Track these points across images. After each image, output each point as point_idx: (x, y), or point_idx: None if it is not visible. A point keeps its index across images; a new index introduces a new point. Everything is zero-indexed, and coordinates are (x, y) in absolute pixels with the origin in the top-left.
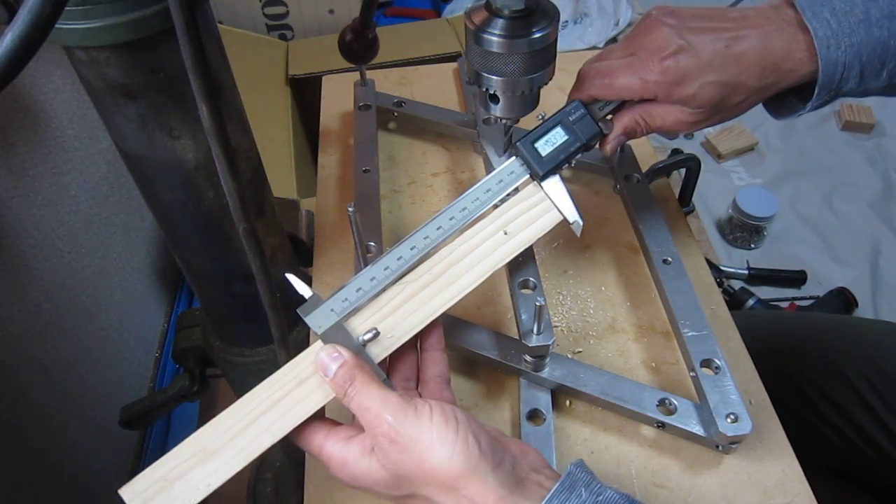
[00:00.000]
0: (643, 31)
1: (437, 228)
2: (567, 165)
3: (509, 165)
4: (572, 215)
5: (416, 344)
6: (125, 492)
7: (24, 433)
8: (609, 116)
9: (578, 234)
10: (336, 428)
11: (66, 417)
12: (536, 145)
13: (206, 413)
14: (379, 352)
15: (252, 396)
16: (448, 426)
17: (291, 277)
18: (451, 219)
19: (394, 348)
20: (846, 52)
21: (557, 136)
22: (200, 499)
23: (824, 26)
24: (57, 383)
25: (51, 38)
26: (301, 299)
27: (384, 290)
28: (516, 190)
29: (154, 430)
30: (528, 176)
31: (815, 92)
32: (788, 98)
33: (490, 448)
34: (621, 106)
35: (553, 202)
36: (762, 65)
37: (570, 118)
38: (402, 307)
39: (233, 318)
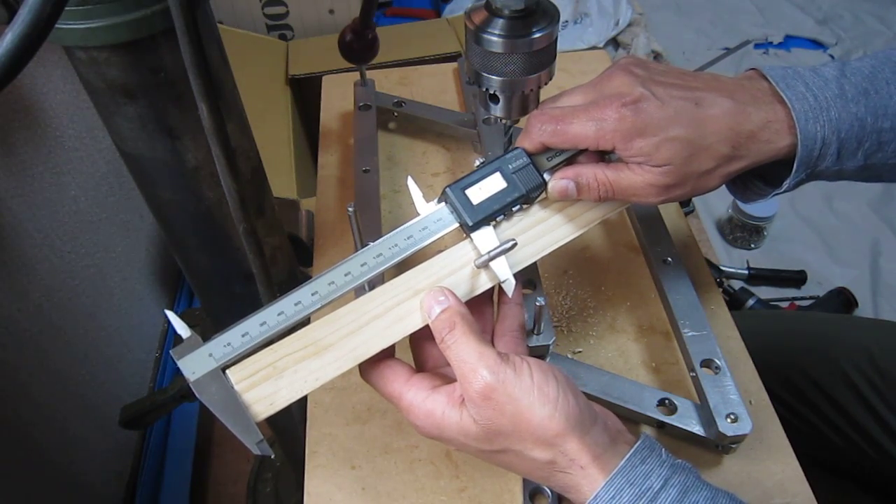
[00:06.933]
0: (606, 78)
1: (346, 274)
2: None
3: (436, 212)
4: (504, 274)
5: (492, 297)
6: (233, 373)
7: (24, 433)
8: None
9: (510, 293)
10: (418, 375)
11: (66, 417)
12: (468, 192)
13: (207, 413)
14: (508, 266)
15: (368, 299)
16: (548, 384)
17: (170, 315)
18: (362, 265)
19: (520, 267)
20: (825, 126)
21: (493, 184)
22: (308, 391)
23: (801, 99)
24: (57, 383)
25: (51, 38)
26: None
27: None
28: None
29: (154, 430)
30: (456, 225)
31: (794, 167)
32: (753, 182)
33: (587, 407)
34: (576, 158)
35: (484, 258)
36: (735, 131)
37: (511, 166)
38: (531, 230)
39: (233, 318)
